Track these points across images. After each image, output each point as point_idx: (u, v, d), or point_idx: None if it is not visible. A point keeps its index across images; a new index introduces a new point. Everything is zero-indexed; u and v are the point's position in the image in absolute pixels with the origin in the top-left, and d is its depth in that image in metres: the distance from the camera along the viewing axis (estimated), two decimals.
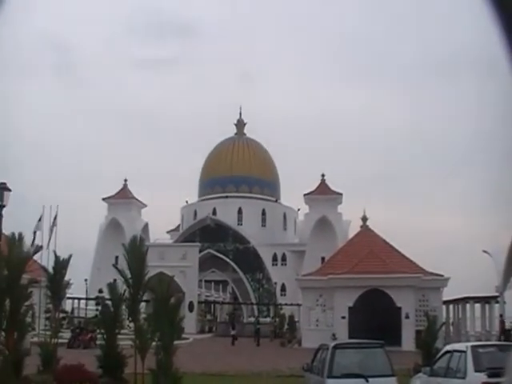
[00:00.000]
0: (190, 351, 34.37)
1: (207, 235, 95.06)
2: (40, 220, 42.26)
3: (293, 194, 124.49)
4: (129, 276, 16.82)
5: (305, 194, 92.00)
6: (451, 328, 53.51)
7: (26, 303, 16.79)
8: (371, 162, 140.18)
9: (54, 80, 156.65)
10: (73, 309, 70.83)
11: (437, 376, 14.52)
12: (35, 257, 20.96)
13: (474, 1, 3.41)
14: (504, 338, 39.60)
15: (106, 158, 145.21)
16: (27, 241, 18.47)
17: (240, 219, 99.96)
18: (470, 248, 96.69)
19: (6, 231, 20.35)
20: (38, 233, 40.74)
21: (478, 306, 49.55)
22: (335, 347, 14.00)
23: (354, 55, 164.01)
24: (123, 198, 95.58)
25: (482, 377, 12.06)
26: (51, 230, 43.36)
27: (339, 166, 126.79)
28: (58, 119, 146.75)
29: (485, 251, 47.23)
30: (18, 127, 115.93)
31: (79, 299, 72.38)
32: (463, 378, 12.98)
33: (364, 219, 55.46)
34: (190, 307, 67.52)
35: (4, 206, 21.09)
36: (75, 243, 60.25)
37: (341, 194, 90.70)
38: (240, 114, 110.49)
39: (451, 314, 55.00)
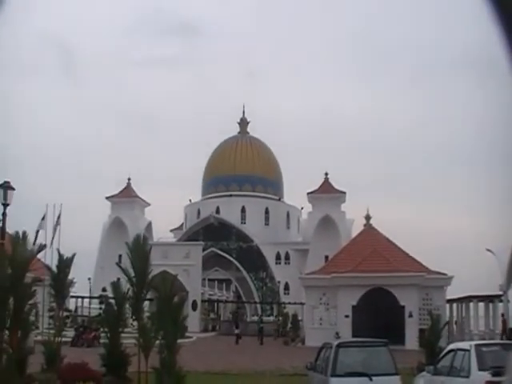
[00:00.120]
0: (193, 350, 34.39)
1: (210, 234, 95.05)
2: (43, 219, 42.27)
3: (296, 193, 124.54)
4: (132, 275, 16.83)
5: (308, 193, 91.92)
6: (455, 327, 53.44)
7: (30, 302, 16.81)
8: (374, 160, 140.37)
9: (56, 79, 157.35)
10: (76, 307, 70.86)
11: (440, 375, 14.50)
12: (39, 255, 20.97)
13: (475, 0, 3.41)
14: (507, 337, 39.55)
15: (108, 157, 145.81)
16: (30, 240, 18.49)
17: (243, 218, 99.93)
18: (473, 246, 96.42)
19: (9, 230, 20.40)
20: (41, 232, 40.73)
21: (481, 304, 49.47)
22: (339, 346, 14.00)
23: (356, 54, 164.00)
24: (126, 196, 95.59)
25: (486, 376, 12.04)
26: (55, 229, 43.41)
27: (342, 165, 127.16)
28: (60, 119, 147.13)
29: (488, 250, 47.10)
30: (20, 127, 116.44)
31: (83, 298, 72.38)
32: (467, 376, 12.96)
33: (367, 218, 55.42)
34: (194, 306, 67.55)
35: (8, 205, 21.13)
36: (79, 242, 60.37)
37: (344, 193, 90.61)
38: (243, 112, 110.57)
39: (455, 313, 54.92)
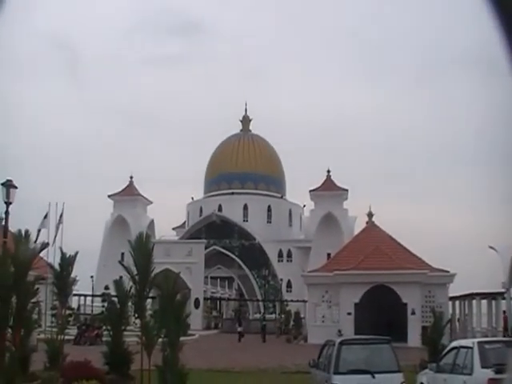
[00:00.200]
0: (196, 348, 34.42)
1: (213, 232, 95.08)
2: (46, 217, 42.26)
3: (298, 191, 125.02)
4: (135, 273, 16.81)
5: (310, 190, 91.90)
6: (457, 324, 53.44)
7: (33, 300, 16.81)
8: (377, 158, 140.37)
9: (58, 79, 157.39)
10: (79, 305, 71.02)
11: (443, 372, 14.50)
12: (41, 254, 20.98)
13: (476, 0, 3.40)
14: (509, 335, 39.47)
15: (111, 156, 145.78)
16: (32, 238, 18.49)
17: (246, 215, 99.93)
18: (476, 244, 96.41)
19: (11, 229, 20.42)
20: (44, 230, 40.71)
21: (484, 302, 49.45)
22: (341, 343, 13.99)
23: (358, 54, 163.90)
24: (129, 194, 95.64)
25: (489, 373, 12.03)
26: (57, 228, 43.40)
27: (345, 162, 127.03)
28: (62, 118, 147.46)
29: (491, 247, 47.06)
30: (21, 127, 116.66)
31: (85, 296, 72.55)
32: (470, 374, 12.96)
33: (370, 215, 55.43)
34: (196, 304, 67.59)
35: (11, 203, 21.17)
36: (81, 240, 60.48)
37: (346, 190, 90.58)
38: (245, 110, 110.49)
39: (457, 311, 54.93)
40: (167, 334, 15.00)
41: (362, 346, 14.76)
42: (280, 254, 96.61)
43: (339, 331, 42.65)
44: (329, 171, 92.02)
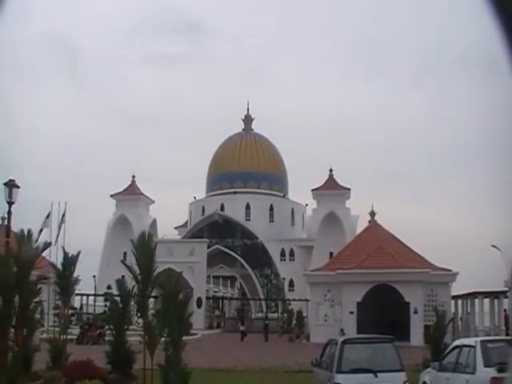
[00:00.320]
0: (198, 347, 34.45)
1: (215, 231, 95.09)
2: (48, 217, 42.29)
3: (301, 190, 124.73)
4: (137, 272, 16.82)
5: (313, 190, 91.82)
6: (460, 323, 53.39)
7: (35, 300, 16.84)
8: (379, 157, 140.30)
9: (60, 79, 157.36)
10: (81, 305, 71.08)
11: (446, 371, 14.49)
12: (44, 253, 20.98)
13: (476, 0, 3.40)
14: (509, 333, 39.40)
15: (113, 156, 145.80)
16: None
17: (248, 215, 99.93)
18: (478, 243, 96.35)
19: (13, 228, 20.44)
20: (46, 230, 40.76)
21: (486, 301, 49.39)
22: (344, 342, 13.98)
23: (359, 53, 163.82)
24: (131, 194, 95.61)
25: (492, 372, 12.01)
26: (59, 227, 43.41)
27: (347, 161, 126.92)
28: (64, 118, 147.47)
29: (494, 246, 46.99)
30: (22, 126, 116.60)
31: (88, 295, 72.61)
32: (472, 373, 12.94)
33: (372, 214, 55.36)
34: (199, 303, 67.62)
35: (13, 203, 21.18)
36: (83, 240, 60.51)
37: (349, 189, 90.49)
38: (247, 109, 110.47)
39: (460, 309, 54.88)
40: (170, 333, 15.01)
41: (365, 345, 14.74)
42: (282, 253, 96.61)
43: (341, 330, 42.65)
44: (331, 170, 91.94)
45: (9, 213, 21.39)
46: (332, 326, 44.62)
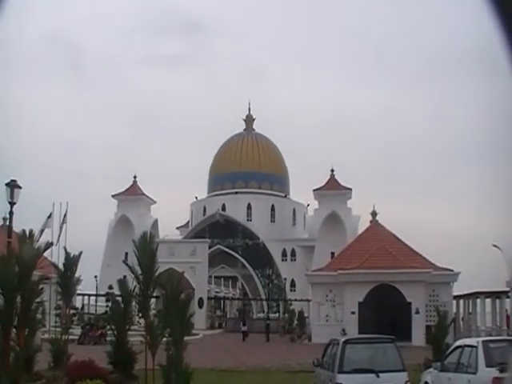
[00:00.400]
0: (200, 347, 34.45)
1: (217, 231, 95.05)
2: (50, 217, 42.34)
3: (302, 190, 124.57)
4: (139, 272, 16.82)
5: (314, 190, 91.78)
6: (461, 323, 53.34)
7: (37, 300, 16.83)
8: (380, 157, 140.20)
9: (61, 79, 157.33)
10: (83, 305, 71.07)
11: (447, 371, 14.49)
12: (45, 254, 20.98)
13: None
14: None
15: (114, 155, 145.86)
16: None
17: (249, 215, 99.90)
18: (480, 242, 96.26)
19: (15, 229, 20.45)
20: (48, 230, 40.83)
21: (488, 301, 49.30)
22: (346, 342, 13.98)
23: (362, 53, 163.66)
24: (133, 194, 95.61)
25: (494, 372, 12.00)
26: (61, 227, 43.49)
27: (349, 161, 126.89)
28: (65, 117, 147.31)
29: (495, 245, 46.99)
30: (23, 126, 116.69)
31: (89, 296, 72.61)
32: (474, 373, 12.94)
33: (374, 214, 55.34)
34: (200, 303, 67.62)
35: (15, 203, 21.18)
36: (85, 240, 60.52)
37: (350, 189, 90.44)
38: (249, 109, 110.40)
39: (461, 309, 54.82)
40: (171, 333, 15.02)
41: (367, 345, 14.74)
42: (284, 254, 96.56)
43: (343, 330, 42.65)
44: (332, 170, 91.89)
45: (10, 213, 21.38)
46: (333, 326, 44.62)
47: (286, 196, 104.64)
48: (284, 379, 23.58)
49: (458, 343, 15.32)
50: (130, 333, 18.64)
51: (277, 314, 72.09)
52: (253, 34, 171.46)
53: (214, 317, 73.87)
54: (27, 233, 17.14)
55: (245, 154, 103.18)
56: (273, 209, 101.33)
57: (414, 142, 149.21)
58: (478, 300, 49.92)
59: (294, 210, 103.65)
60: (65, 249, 23.26)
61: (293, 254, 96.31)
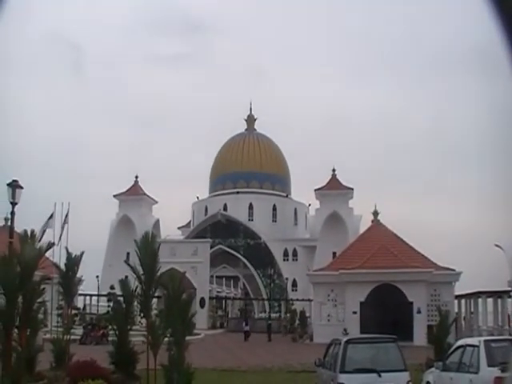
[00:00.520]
0: (201, 347, 34.44)
1: (218, 231, 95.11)
2: (51, 217, 42.32)
3: (303, 190, 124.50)
4: (141, 272, 16.82)
5: (316, 189, 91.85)
6: (463, 323, 53.32)
7: (39, 300, 16.82)
8: (382, 156, 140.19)
9: (63, 78, 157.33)
10: (85, 305, 71.11)
11: (449, 371, 14.47)
12: (47, 254, 20.99)
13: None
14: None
15: (116, 155, 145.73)
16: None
17: (251, 215, 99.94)
18: (482, 242, 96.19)
19: (16, 229, 20.45)
20: (49, 230, 40.81)
21: (490, 300, 49.30)
22: (348, 342, 13.96)
23: (364, 51, 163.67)
24: (134, 194, 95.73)
25: (496, 371, 11.98)
26: (62, 228, 43.47)
27: (350, 161, 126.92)
28: (67, 117, 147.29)
29: (497, 245, 46.99)
30: (26, 126, 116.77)
31: (91, 296, 72.66)
32: (476, 372, 12.92)
33: (375, 214, 55.33)
34: (202, 303, 67.64)
35: (16, 204, 21.19)
36: (87, 240, 60.55)
37: (352, 189, 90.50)
38: (250, 109, 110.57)
39: (463, 309, 54.80)
40: (173, 333, 15.02)
41: (368, 345, 14.71)
42: (285, 253, 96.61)
43: (345, 330, 42.62)
44: (334, 170, 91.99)
45: (12, 213, 21.40)
46: (335, 326, 44.60)
47: (287, 196, 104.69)
48: (286, 379, 23.56)
49: (460, 343, 15.31)
50: (131, 333, 18.63)
51: (278, 314, 72.09)
52: (254, 34, 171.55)
53: (215, 317, 73.87)
54: (29, 233, 17.16)
55: (246, 153, 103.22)
56: (274, 209, 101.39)
57: (415, 141, 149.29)
58: (480, 299, 49.90)
59: (295, 209, 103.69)
60: (66, 249, 23.25)
61: (294, 253, 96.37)
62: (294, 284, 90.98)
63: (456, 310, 51.07)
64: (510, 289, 44.50)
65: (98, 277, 76.72)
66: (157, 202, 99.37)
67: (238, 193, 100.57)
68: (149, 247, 17.01)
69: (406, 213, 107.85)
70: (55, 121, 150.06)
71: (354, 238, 61.77)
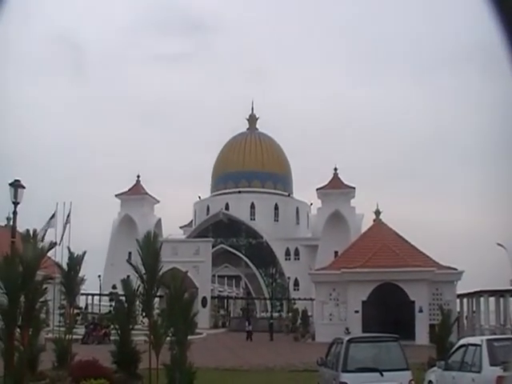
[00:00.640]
0: (203, 346, 34.45)
1: (220, 230, 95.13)
2: (53, 217, 42.36)
3: (305, 189, 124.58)
4: (143, 271, 16.82)
5: (317, 189, 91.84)
6: (465, 322, 53.27)
7: (41, 299, 16.83)
8: (384, 156, 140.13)
9: (66, 78, 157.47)
10: (87, 305, 71.17)
11: (451, 370, 14.46)
12: (49, 253, 21.00)
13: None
14: None
15: (117, 155, 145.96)
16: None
17: (253, 214, 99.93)
18: (484, 241, 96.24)
19: (18, 228, 20.47)
20: (51, 230, 40.88)
21: (492, 299, 49.25)
22: (350, 341, 13.95)
23: (366, 50, 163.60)
24: (136, 194, 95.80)
25: (498, 370, 11.98)
26: (64, 227, 43.52)
27: (352, 160, 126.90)
28: (68, 116, 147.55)
29: (499, 244, 46.97)
30: (27, 125, 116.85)
31: (93, 295, 72.71)
32: (478, 371, 12.91)
33: (377, 213, 55.26)
34: (204, 302, 67.64)
35: (18, 203, 21.21)
36: (88, 240, 60.60)
37: (353, 188, 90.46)
38: (252, 108, 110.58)
39: (465, 308, 54.74)
40: (175, 332, 15.02)
41: (371, 344, 14.70)
42: (287, 253, 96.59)
43: (347, 329, 42.57)
44: (336, 169, 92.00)
45: (14, 213, 21.43)
46: (337, 325, 44.54)
47: (289, 195, 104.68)
48: (288, 378, 23.55)
49: (462, 342, 15.30)
50: (133, 332, 18.63)
51: (280, 313, 72.03)
52: (255, 33, 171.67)
53: (217, 316, 73.86)
54: (31, 233, 17.17)
55: (248, 153, 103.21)
56: (276, 208, 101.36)
57: (418, 141, 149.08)
58: (482, 299, 49.84)
59: (297, 209, 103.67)
60: (68, 248, 23.29)
61: (296, 252, 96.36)
62: (296, 283, 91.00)
63: (458, 309, 50.99)
64: None
65: (99, 276, 76.87)
66: (159, 202, 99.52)
67: (239, 192, 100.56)
68: (151, 247, 17.01)
69: (408, 212, 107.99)
70: (57, 120, 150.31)
71: (356, 237, 61.69)
